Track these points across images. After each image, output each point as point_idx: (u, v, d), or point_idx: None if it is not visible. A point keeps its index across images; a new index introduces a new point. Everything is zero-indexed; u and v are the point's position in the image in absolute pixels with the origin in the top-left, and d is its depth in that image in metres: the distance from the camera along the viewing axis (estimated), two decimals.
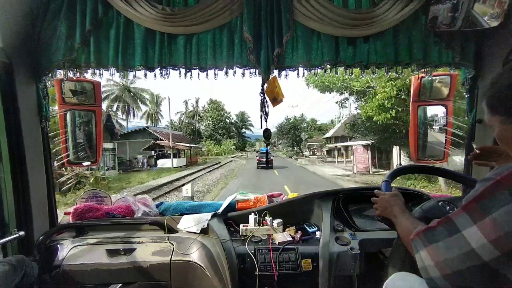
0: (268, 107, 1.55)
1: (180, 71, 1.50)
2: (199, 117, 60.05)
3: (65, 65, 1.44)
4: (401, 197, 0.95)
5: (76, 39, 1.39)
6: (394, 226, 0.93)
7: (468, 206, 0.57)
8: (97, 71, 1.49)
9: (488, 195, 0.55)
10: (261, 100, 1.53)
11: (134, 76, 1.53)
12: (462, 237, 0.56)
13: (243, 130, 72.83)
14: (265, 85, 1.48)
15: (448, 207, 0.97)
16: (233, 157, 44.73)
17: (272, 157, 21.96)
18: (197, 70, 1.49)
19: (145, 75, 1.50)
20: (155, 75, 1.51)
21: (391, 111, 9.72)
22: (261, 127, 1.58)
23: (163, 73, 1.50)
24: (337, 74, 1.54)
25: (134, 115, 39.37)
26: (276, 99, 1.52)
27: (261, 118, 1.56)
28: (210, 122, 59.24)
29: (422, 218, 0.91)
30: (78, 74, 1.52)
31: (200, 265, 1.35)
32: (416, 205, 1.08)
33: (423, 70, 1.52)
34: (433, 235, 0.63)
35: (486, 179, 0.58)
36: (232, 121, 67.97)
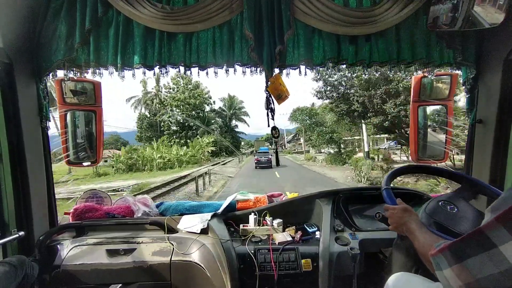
0: (274, 104, 1.52)
1: (179, 69, 1.49)
2: (159, 102, 37.64)
3: (65, 65, 1.44)
4: (413, 212, 0.92)
5: (76, 38, 1.39)
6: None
7: (504, 218, 0.50)
8: (97, 71, 1.48)
9: None
10: (266, 97, 1.50)
11: (133, 75, 1.50)
12: (499, 253, 0.50)
13: (234, 122, 49.11)
14: (269, 83, 1.47)
15: (449, 207, 0.97)
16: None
17: (270, 157, 21.56)
18: (197, 68, 1.49)
19: (144, 73, 1.49)
20: (154, 73, 1.50)
21: None
22: (268, 126, 1.54)
23: (162, 71, 1.49)
24: (339, 72, 1.51)
25: None
26: (281, 96, 1.50)
27: (267, 116, 1.53)
28: (177, 110, 36.28)
29: (431, 223, 0.91)
30: (78, 74, 1.51)
31: (200, 265, 1.35)
32: (416, 205, 1.08)
33: (425, 69, 1.52)
34: (461, 251, 0.56)
35: None
36: (215, 108, 46.19)
